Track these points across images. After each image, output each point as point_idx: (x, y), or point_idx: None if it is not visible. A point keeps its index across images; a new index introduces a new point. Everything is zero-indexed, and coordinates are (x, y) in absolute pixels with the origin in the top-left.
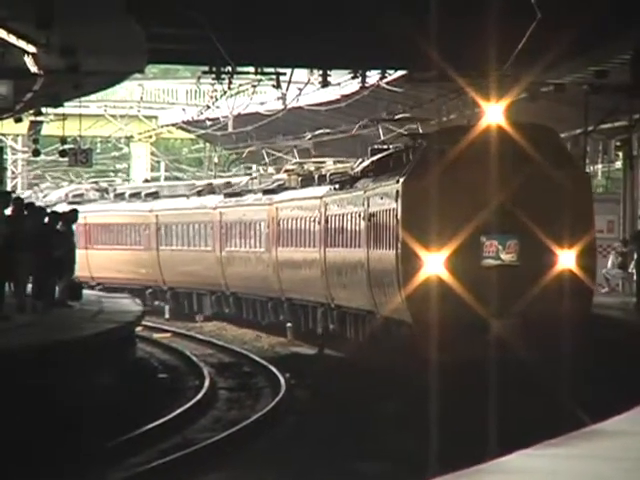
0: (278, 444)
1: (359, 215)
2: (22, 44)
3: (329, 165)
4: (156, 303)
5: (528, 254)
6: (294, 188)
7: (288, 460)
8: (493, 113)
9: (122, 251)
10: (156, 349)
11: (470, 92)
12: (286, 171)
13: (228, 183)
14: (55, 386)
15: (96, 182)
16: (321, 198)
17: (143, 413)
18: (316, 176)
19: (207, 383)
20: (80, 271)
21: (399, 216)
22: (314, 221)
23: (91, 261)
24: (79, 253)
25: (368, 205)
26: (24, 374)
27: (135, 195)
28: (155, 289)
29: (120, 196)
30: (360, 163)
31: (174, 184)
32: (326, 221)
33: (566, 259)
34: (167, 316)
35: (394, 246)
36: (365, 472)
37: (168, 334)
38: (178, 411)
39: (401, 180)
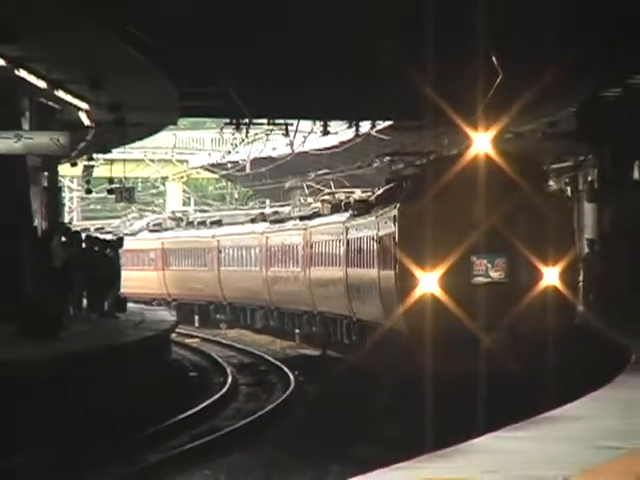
0: (289, 430)
1: (372, 238)
2: (77, 102)
3: (356, 194)
4: (217, 316)
5: (515, 272)
6: (325, 215)
7: (297, 444)
8: (480, 143)
9: (192, 271)
10: (187, 352)
11: (456, 128)
12: (321, 200)
13: (276, 212)
14: (107, 382)
15: (173, 212)
16: (343, 223)
17: (177, 405)
18: (343, 204)
19: (230, 380)
20: (158, 289)
21: (396, 239)
22: (338, 243)
23: (167, 280)
24: (157, 274)
25: (378, 229)
26: (83, 373)
27: (202, 223)
28: (217, 304)
29: (190, 224)
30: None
31: (235, 213)
32: (347, 244)
33: (550, 276)
34: (197, 324)
35: (394, 266)
36: (363, 455)
37: (197, 339)
38: (206, 403)
39: (397, 206)
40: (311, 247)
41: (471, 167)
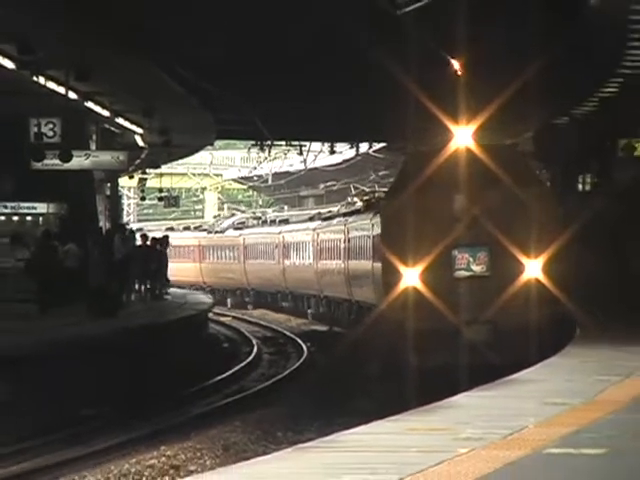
0: (303, 390)
1: (368, 237)
2: (134, 127)
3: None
4: (283, 304)
5: (497, 265)
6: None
7: (309, 400)
8: (461, 136)
9: (265, 263)
10: (221, 327)
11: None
12: (362, 200)
13: (329, 211)
14: (158, 351)
15: (254, 212)
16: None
17: (214, 370)
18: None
19: (255, 350)
20: (240, 279)
21: (381, 235)
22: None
23: (248, 271)
24: (240, 265)
25: (372, 228)
26: (138, 343)
27: (274, 222)
28: (282, 292)
29: (265, 222)
30: None
31: (301, 213)
32: (348, 241)
33: (533, 268)
34: (229, 305)
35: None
36: (362, 409)
37: (229, 318)
38: (236, 368)
39: (381, 203)
40: (349, 242)
41: (451, 161)
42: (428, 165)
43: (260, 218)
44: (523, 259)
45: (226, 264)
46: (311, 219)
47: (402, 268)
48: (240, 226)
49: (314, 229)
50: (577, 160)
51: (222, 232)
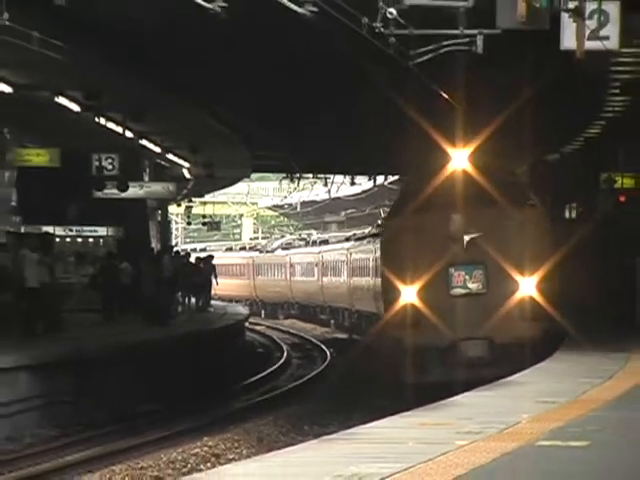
0: (327, 389)
1: (374, 259)
2: (181, 162)
3: None
4: (322, 317)
5: (492, 282)
6: None
7: (332, 398)
8: (458, 159)
9: (306, 280)
10: (256, 335)
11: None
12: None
13: (363, 232)
14: (201, 356)
15: (299, 234)
16: (347, 249)
17: (250, 371)
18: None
19: (285, 355)
20: (286, 294)
21: (381, 255)
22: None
23: (293, 287)
24: (285, 282)
25: (376, 249)
26: (187, 348)
27: (315, 242)
28: (321, 306)
29: (308, 243)
30: None
31: (339, 235)
32: (375, 260)
33: (527, 286)
34: (262, 316)
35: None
36: (378, 406)
37: (263, 326)
38: (269, 370)
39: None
40: (375, 261)
41: (447, 183)
42: (425, 187)
43: (305, 239)
44: (517, 277)
45: (275, 281)
46: (347, 239)
47: (400, 286)
48: (287, 246)
49: (348, 249)
50: (565, 191)
51: (272, 252)
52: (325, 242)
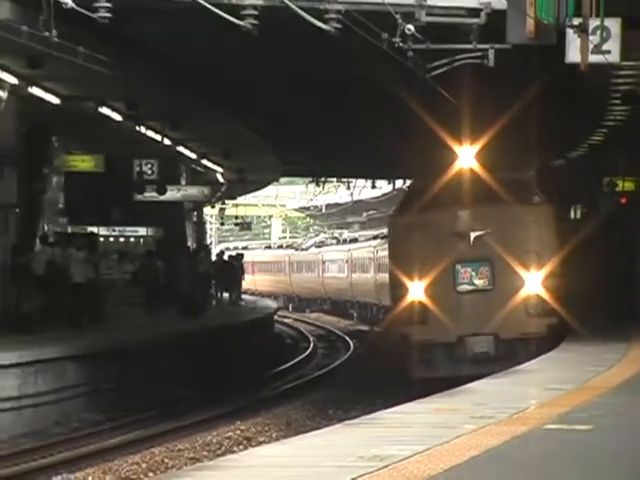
0: (350, 377)
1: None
2: (215, 167)
3: None
4: (351, 312)
5: (499, 278)
6: None
7: (355, 386)
8: (465, 157)
9: (337, 277)
10: (285, 327)
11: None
12: None
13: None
14: (234, 346)
15: (332, 233)
16: (374, 247)
17: (279, 361)
18: None
19: (312, 345)
20: (317, 289)
21: (388, 252)
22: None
23: (325, 283)
24: (318, 278)
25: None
26: (220, 339)
27: (344, 241)
28: (350, 301)
29: (339, 242)
30: None
31: (367, 233)
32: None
33: (533, 282)
34: (290, 309)
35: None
36: (397, 393)
37: (291, 319)
38: (297, 359)
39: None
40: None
41: (454, 180)
42: (433, 184)
43: (337, 237)
44: (523, 273)
45: (309, 277)
46: (375, 238)
47: (408, 282)
48: (320, 244)
49: (375, 247)
50: (570, 194)
51: (306, 249)
52: (354, 240)
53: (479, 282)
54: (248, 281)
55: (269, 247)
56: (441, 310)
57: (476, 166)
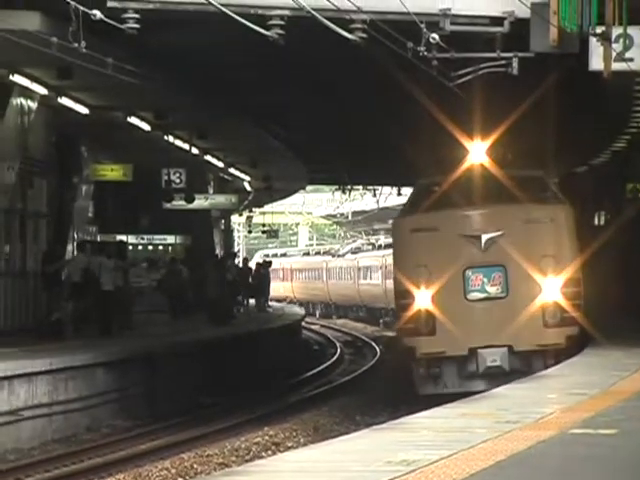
0: (377, 382)
1: None
2: (242, 176)
3: None
4: (382, 320)
5: (513, 285)
6: None
7: (381, 391)
8: (476, 153)
9: (371, 283)
10: (312, 334)
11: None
12: None
13: None
14: (262, 352)
15: (368, 239)
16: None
17: (306, 367)
18: None
19: (338, 351)
20: (352, 296)
21: (393, 258)
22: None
23: (360, 289)
24: (354, 285)
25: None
26: (249, 345)
27: (379, 247)
28: (386, 308)
29: (374, 247)
30: None
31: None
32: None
33: (550, 289)
34: (317, 316)
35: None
36: (422, 398)
37: (317, 325)
38: (324, 366)
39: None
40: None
41: (464, 179)
42: (441, 186)
43: (373, 243)
44: (540, 279)
45: (345, 284)
46: None
47: (414, 290)
48: (356, 250)
49: None
50: (593, 200)
51: (343, 256)
52: (389, 246)
53: (491, 289)
54: (286, 289)
55: (307, 254)
56: (450, 320)
57: (487, 162)
